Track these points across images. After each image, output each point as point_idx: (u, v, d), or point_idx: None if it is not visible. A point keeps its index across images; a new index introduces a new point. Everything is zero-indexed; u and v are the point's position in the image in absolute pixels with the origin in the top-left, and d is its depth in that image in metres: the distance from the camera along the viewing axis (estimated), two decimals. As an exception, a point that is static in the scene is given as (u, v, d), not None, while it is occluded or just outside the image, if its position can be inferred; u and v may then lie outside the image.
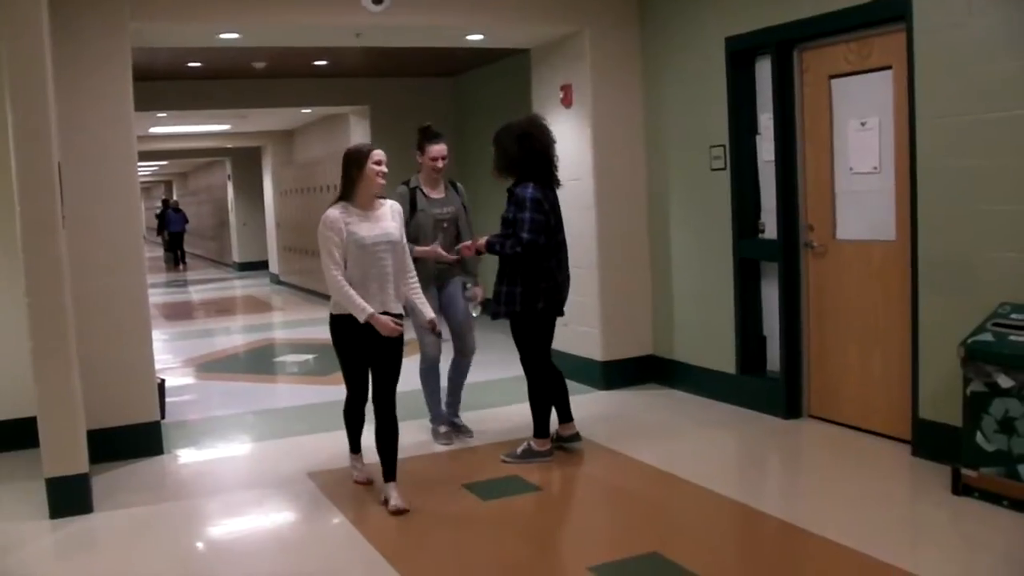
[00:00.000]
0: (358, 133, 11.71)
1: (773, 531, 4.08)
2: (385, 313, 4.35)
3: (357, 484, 4.82)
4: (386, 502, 4.43)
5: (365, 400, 4.62)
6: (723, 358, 6.12)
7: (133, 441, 5.45)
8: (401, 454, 4.53)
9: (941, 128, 4.52)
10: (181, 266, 23.20)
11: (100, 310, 5.33)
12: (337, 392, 5.20)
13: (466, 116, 10.93)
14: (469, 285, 5.55)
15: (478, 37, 6.85)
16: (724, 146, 5.96)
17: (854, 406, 5.35)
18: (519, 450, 5.12)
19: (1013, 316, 4.12)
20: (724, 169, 5.98)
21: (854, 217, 5.33)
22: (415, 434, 5.50)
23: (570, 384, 5.37)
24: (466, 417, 5.72)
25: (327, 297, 4.56)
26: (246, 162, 19.34)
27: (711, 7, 5.99)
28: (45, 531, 4.40)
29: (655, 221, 6.70)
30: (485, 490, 4.68)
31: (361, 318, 4.27)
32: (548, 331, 5.10)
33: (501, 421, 5.90)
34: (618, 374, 6.70)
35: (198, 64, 9.18)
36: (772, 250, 5.72)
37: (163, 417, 5.86)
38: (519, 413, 5.68)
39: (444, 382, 5.61)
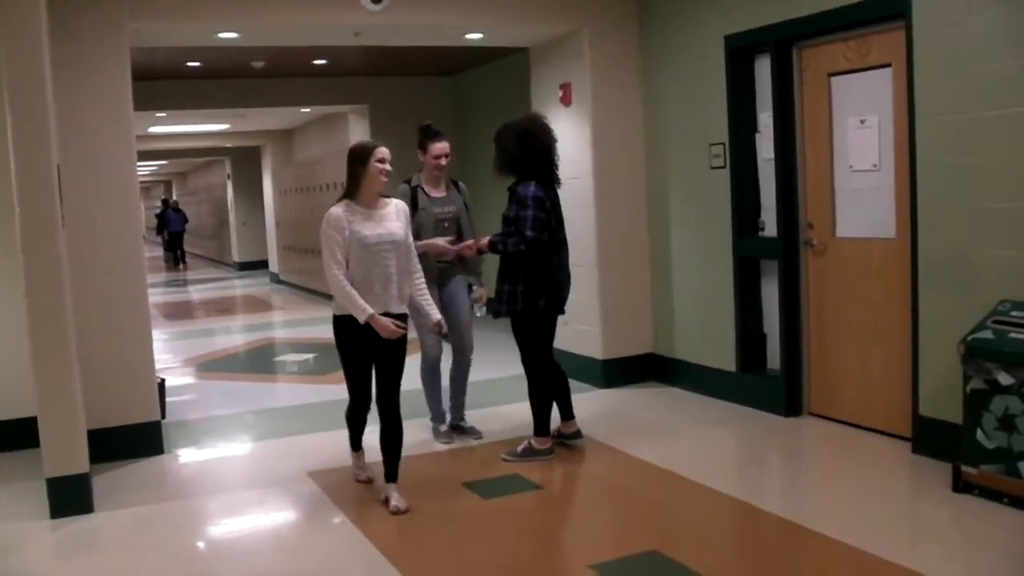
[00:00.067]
0: (357, 132, 11.70)
1: (773, 529, 4.08)
2: (387, 314, 4.31)
3: (358, 483, 4.82)
4: (386, 501, 4.43)
5: (368, 406, 4.59)
6: (723, 356, 6.12)
7: (133, 441, 5.44)
8: (402, 453, 4.52)
9: (940, 126, 4.52)
10: (181, 266, 23.18)
11: (100, 310, 5.33)
12: (337, 391, 5.20)
13: (465, 115, 10.91)
14: (475, 287, 5.54)
15: (477, 36, 6.84)
16: (724, 144, 5.95)
17: (854, 404, 5.36)
18: (520, 448, 5.13)
19: (1013, 313, 4.12)
20: (724, 167, 5.98)
21: (854, 215, 5.33)
22: (416, 433, 5.49)
23: (571, 383, 5.37)
24: (467, 415, 5.71)
25: (327, 296, 4.55)
26: (245, 161, 19.34)
27: (710, 5, 5.99)
28: (46, 531, 4.40)
29: (655, 219, 6.69)
30: (486, 489, 4.68)
31: (361, 319, 4.24)
32: (550, 329, 5.10)
33: (502, 420, 5.90)
34: (618, 372, 6.70)
35: (197, 63, 9.17)
36: (772, 248, 5.72)
37: (163, 417, 5.86)
38: (519, 412, 5.68)
39: (445, 382, 5.61)
